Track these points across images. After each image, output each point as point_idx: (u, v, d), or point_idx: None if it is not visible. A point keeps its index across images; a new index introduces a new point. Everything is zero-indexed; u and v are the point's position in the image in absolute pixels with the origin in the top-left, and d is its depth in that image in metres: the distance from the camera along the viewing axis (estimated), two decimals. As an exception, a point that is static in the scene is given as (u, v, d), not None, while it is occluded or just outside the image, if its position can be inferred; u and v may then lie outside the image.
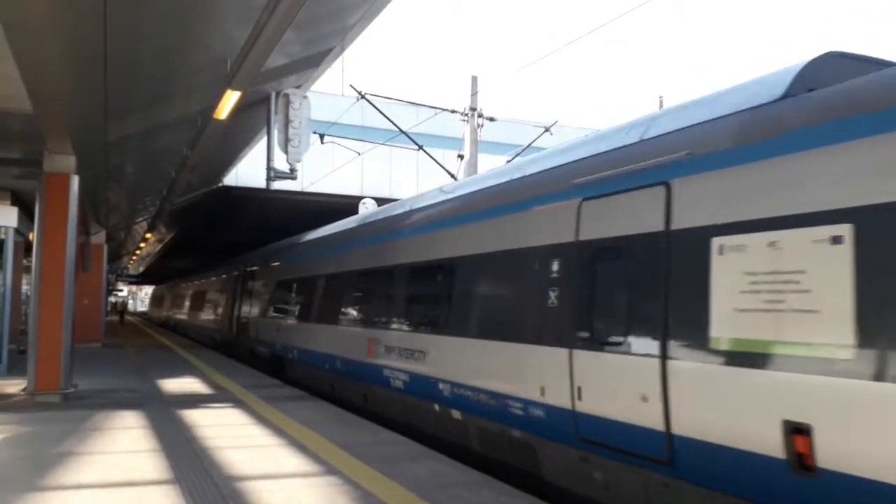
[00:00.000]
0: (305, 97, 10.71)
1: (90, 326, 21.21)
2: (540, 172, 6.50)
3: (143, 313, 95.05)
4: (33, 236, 10.49)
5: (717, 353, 4.15)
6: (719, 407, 4.09)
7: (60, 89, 7.76)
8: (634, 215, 4.95)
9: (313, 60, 10.36)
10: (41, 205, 10.07)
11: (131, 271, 57.06)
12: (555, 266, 5.69)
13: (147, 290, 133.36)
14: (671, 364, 4.43)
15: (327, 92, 22.27)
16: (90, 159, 10.80)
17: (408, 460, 6.30)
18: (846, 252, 3.55)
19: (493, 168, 8.18)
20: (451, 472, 5.91)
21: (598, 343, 5.07)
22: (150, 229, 24.48)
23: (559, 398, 5.40)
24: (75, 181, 10.21)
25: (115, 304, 61.23)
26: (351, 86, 13.98)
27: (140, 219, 24.57)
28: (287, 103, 10.43)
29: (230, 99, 8.25)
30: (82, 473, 5.81)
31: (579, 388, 5.17)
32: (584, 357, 5.18)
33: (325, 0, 7.84)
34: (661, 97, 21.19)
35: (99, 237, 22.78)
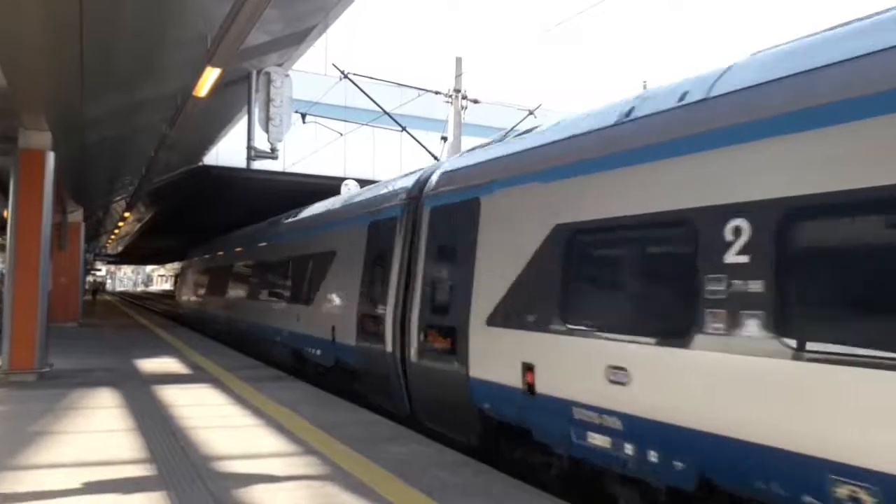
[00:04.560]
0: (287, 76, 10.55)
1: (67, 306, 20.98)
2: None
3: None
4: (7, 213, 10.31)
5: None
6: None
7: (36, 64, 7.60)
8: None
9: (296, 38, 10.21)
10: (15, 182, 9.90)
11: (109, 251, 56.41)
12: None
13: (126, 270, 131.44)
14: None
15: (310, 71, 22.04)
16: (66, 136, 10.62)
17: (387, 441, 6.33)
18: None
19: None
20: (430, 452, 5.95)
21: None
22: (129, 208, 24.17)
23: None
24: (51, 158, 10.04)
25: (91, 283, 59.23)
26: (334, 65, 13.85)
27: (119, 197, 24.26)
28: (268, 81, 10.27)
29: (210, 76, 8.13)
30: (57, 452, 5.76)
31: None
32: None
33: (308, -23, 7.73)
34: (644, 82, 21.21)
35: (76, 216, 22.48)
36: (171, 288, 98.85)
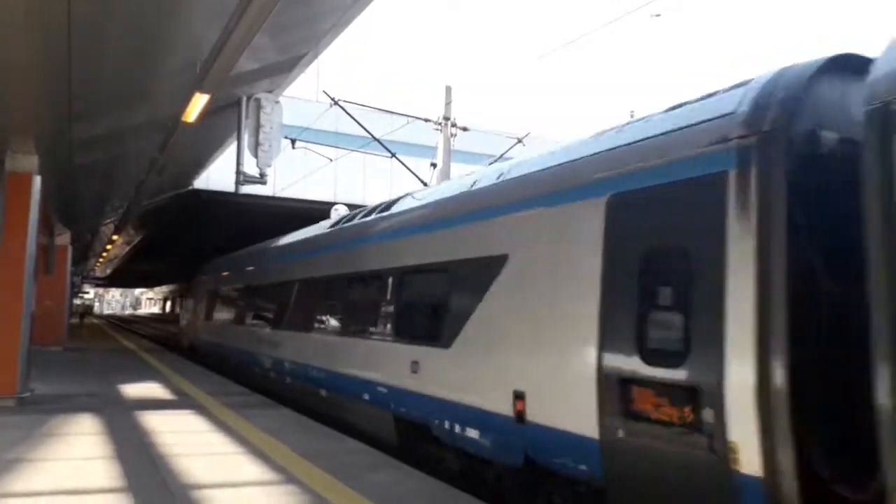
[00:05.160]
0: (277, 102, 10.63)
1: (52, 329, 20.75)
2: None
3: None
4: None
5: None
6: None
7: (23, 87, 7.62)
8: None
9: (286, 65, 10.30)
10: (1, 204, 9.86)
11: (98, 274, 56.04)
12: None
13: (115, 293, 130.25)
14: None
15: (301, 97, 22.19)
16: (54, 159, 10.61)
17: (369, 469, 6.26)
18: None
19: None
20: (411, 481, 5.88)
21: None
22: (118, 231, 24.07)
23: None
24: (37, 181, 10.02)
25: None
26: (324, 92, 13.96)
27: (108, 221, 24.17)
28: (258, 107, 10.34)
29: (199, 102, 8.16)
30: (33, 480, 5.66)
31: None
32: None
33: (298, 5, 7.82)
34: (632, 112, 21.47)
35: (63, 238, 22.36)
36: (161, 311, 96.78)
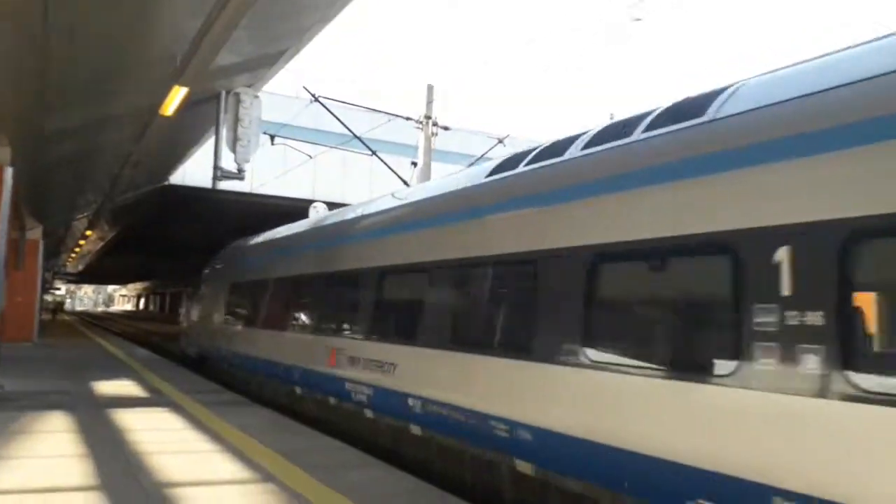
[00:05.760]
0: (256, 97, 10.55)
1: (22, 325, 20.38)
2: None
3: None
4: (-38, 229, 10.02)
5: None
6: None
7: (-4, 77, 7.45)
8: None
9: (267, 60, 10.22)
10: (-29, 196, 9.64)
11: (69, 269, 55.10)
12: None
13: (87, 290, 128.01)
14: None
15: (282, 93, 22.04)
16: (27, 151, 10.40)
17: (346, 467, 6.22)
18: None
19: None
20: (389, 479, 5.85)
21: None
22: (91, 226, 23.69)
23: None
24: (9, 173, 9.81)
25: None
26: (304, 87, 13.86)
27: (81, 215, 23.78)
28: (237, 102, 10.26)
29: (177, 95, 8.07)
30: (2, 478, 5.53)
31: None
32: None
33: (280, 0, 7.76)
34: (611, 114, 21.65)
35: (35, 233, 21.95)
36: (134, 308, 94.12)
